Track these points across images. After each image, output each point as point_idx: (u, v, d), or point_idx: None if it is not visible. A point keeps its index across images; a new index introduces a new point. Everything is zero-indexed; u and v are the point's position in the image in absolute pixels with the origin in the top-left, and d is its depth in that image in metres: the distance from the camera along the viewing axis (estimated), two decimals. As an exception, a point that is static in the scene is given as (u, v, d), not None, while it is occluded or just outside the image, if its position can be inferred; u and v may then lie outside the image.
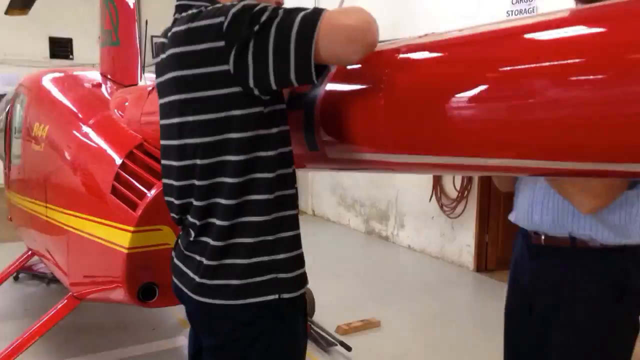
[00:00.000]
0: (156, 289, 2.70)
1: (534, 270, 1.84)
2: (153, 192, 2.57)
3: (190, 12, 1.39)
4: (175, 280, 1.56)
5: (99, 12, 3.90)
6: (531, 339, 1.88)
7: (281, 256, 1.40)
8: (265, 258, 1.38)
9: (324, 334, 3.93)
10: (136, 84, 3.61)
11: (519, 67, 1.01)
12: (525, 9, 4.98)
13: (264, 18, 1.24)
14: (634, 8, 0.86)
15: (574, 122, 0.93)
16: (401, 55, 1.26)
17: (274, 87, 1.29)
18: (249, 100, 1.31)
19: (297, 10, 1.26)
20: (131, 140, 2.84)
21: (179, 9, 1.46)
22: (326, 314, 4.28)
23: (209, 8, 1.34)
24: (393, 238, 6.91)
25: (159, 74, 1.51)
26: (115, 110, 3.18)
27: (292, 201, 1.43)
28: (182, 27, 1.36)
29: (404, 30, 6.35)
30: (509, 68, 1.03)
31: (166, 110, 1.48)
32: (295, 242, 1.45)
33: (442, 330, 4.30)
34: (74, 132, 3.17)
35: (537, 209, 1.79)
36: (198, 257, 1.44)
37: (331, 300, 4.63)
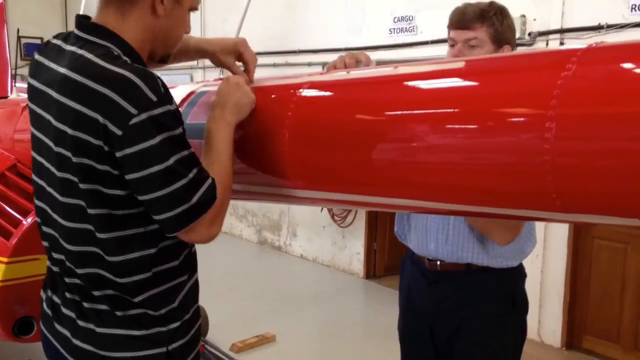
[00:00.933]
0: (34, 322, 2.49)
1: (433, 295, 1.92)
2: (30, 219, 2.35)
3: (91, 53, 1.23)
4: None
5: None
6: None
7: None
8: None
9: (218, 353, 3.84)
10: (7, 97, 3.30)
11: (405, 112, 1.05)
12: (405, 27, 5.23)
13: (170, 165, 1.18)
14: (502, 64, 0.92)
15: (451, 166, 0.99)
16: (304, 92, 1.26)
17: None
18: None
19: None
20: (2, 161, 2.59)
21: (78, 37, 1.29)
22: (220, 332, 4.19)
23: (117, 66, 1.19)
24: (286, 248, 6.93)
25: (39, 78, 1.33)
26: (-18, 126, 2.88)
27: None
28: (82, 78, 1.20)
29: (292, 43, 6.42)
30: (396, 112, 1.07)
31: (43, 125, 1.31)
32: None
33: (336, 340, 4.38)
34: None
35: (431, 237, 1.87)
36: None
37: (225, 317, 4.53)
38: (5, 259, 2.35)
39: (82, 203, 1.25)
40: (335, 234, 6.24)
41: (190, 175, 1.19)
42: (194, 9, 1.37)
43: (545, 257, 4.35)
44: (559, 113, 0.83)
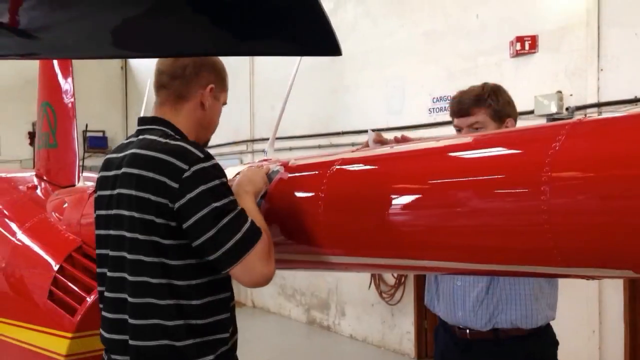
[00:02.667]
0: (94, 397, 2.61)
1: None
2: (93, 296, 2.54)
3: (152, 137, 1.53)
4: None
5: (37, 114, 3.94)
6: None
7: None
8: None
9: None
10: (74, 185, 3.61)
11: (439, 181, 1.17)
12: (444, 107, 5.43)
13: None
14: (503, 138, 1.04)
15: (493, 229, 1.08)
16: (337, 167, 1.42)
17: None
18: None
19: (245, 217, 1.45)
20: (70, 243, 2.83)
21: (142, 130, 1.60)
22: (270, 413, 4.16)
23: (173, 145, 1.48)
24: (335, 327, 6.89)
25: (108, 170, 1.61)
26: (53, 213, 3.17)
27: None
28: (147, 154, 1.49)
29: (338, 123, 6.72)
30: (430, 182, 1.19)
31: (112, 221, 1.57)
32: None
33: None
34: (8, 236, 3.11)
35: (458, 306, 1.94)
36: None
37: (274, 397, 4.52)
38: (69, 335, 2.52)
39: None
40: (384, 312, 6.19)
41: (235, 211, 1.42)
42: (225, 103, 1.73)
43: (602, 333, 4.20)
44: (551, 177, 0.95)
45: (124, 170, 1.51)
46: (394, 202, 1.24)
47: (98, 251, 1.64)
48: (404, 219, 1.22)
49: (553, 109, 4.41)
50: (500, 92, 1.92)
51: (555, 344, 1.97)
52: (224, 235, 1.39)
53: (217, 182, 1.44)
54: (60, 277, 2.68)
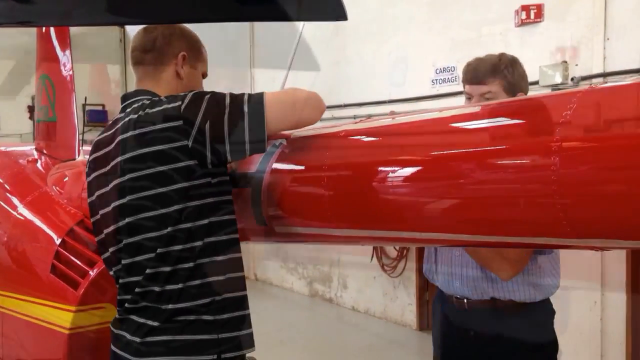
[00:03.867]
0: (99, 369, 2.63)
1: (463, 333, 1.96)
2: (96, 270, 2.54)
3: (139, 103, 1.54)
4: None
5: (35, 87, 3.90)
6: None
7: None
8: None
9: (271, 404, 3.86)
10: (74, 159, 3.59)
11: (444, 152, 1.15)
12: (448, 78, 5.37)
13: (218, 100, 1.44)
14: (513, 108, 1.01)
15: (496, 200, 1.06)
16: (342, 139, 1.39)
17: (229, 159, 1.46)
18: (201, 172, 1.46)
19: (242, 94, 1.47)
20: (71, 217, 2.82)
21: (127, 104, 1.61)
22: (273, 383, 4.22)
23: (161, 98, 1.51)
24: (337, 299, 6.94)
25: (100, 150, 1.61)
26: (54, 187, 3.15)
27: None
28: (140, 113, 1.50)
29: (338, 96, 6.66)
30: (435, 153, 1.17)
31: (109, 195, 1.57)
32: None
33: (389, 391, 4.33)
34: (9, 210, 3.10)
35: (456, 276, 1.94)
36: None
37: (278, 368, 4.58)
38: (73, 308, 2.52)
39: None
40: (386, 284, 6.23)
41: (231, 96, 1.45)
42: (205, 75, 1.74)
43: (603, 304, 4.22)
44: (561, 147, 0.92)
45: (120, 137, 1.51)
46: (397, 174, 1.22)
47: (105, 230, 1.63)
48: (409, 191, 1.20)
49: (558, 79, 4.36)
50: (517, 65, 1.88)
51: (552, 313, 1.98)
52: (234, 115, 1.42)
53: (209, 94, 1.46)
54: (63, 250, 2.67)
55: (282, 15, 0.87)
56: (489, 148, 1.05)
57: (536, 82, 4.43)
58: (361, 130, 1.39)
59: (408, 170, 1.19)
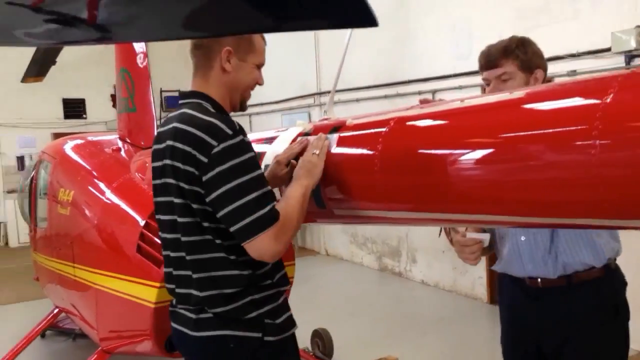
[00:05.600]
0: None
1: (538, 311, 1.98)
2: (176, 249, 2.76)
3: (184, 111, 1.70)
4: None
5: (115, 80, 4.18)
6: None
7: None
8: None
9: (343, 374, 4.03)
10: (153, 146, 3.84)
11: (516, 133, 1.17)
12: (515, 48, 5.22)
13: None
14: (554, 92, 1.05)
15: (565, 182, 1.07)
16: (392, 125, 1.47)
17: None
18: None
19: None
20: (152, 200, 3.05)
21: (181, 104, 1.77)
22: (345, 354, 4.38)
23: (201, 118, 1.64)
24: (406, 274, 7.02)
25: (156, 158, 1.75)
26: (136, 173, 3.41)
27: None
28: (179, 127, 1.65)
29: (401, 73, 6.64)
30: (507, 135, 1.19)
31: (161, 190, 1.75)
32: None
33: (459, 363, 4.38)
34: (98, 195, 3.40)
35: (527, 260, 1.94)
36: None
37: (349, 340, 4.73)
38: (157, 284, 2.76)
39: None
40: (455, 259, 6.17)
41: (259, 191, 1.57)
42: (261, 65, 1.80)
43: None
44: (601, 131, 0.96)
45: (169, 143, 1.66)
46: (444, 158, 1.28)
47: (157, 216, 1.83)
48: (462, 174, 1.26)
49: (632, 44, 4.15)
50: (528, 44, 1.90)
51: (624, 284, 1.98)
52: (243, 211, 1.55)
53: (242, 158, 1.57)
54: (146, 232, 2.92)
55: (307, 26, 0.92)
56: (531, 132, 1.10)
57: (608, 49, 4.26)
58: (411, 116, 1.46)
59: (463, 153, 1.25)
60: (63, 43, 1.61)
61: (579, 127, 1.02)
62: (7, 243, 10.54)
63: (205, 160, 1.57)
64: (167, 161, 1.65)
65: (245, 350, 1.67)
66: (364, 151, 1.53)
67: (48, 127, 10.54)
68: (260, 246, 1.56)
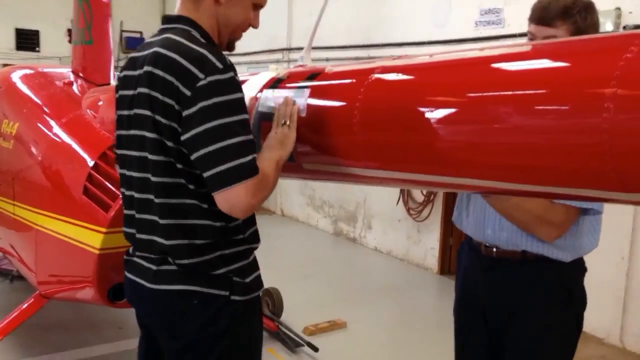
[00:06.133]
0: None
1: (487, 282, 1.94)
2: (126, 193, 2.58)
3: (170, 35, 1.50)
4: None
5: (73, 10, 3.87)
6: (484, 346, 1.99)
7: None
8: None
9: (291, 334, 3.99)
10: (109, 83, 3.60)
11: (487, 93, 1.09)
12: (493, 20, 5.13)
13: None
14: (594, 45, 0.94)
15: (534, 147, 1.01)
16: (376, 75, 1.33)
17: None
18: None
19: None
20: (104, 141, 2.85)
21: (163, 28, 1.58)
22: (294, 315, 4.34)
23: (188, 46, 1.44)
24: (360, 240, 7.01)
25: (131, 68, 1.57)
26: (88, 110, 3.18)
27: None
28: (161, 52, 1.46)
29: (376, 36, 6.47)
30: (477, 94, 1.11)
31: (129, 122, 1.56)
32: None
33: (406, 331, 4.41)
34: (45, 130, 3.15)
35: (488, 223, 1.88)
36: None
37: (299, 301, 4.68)
38: (103, 229, 2.59)
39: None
40: (410, 228, 6.24)
41: (241, 137, 1.39)
42: (259, 6, 1.61)
43: (632, 260, 4.16)
44: (618, 93, 0.86)
45: (147, 69, 1.47)
46: (433, 115, 1.16)
47: (119, 151, 1.63)
48: (444, 133, 1.15)
49: (609, 27, 4.11)
50: (591, 12, 1.70)
51: (583, 269, 1.92)
52: (220, 155, 1.37)
53: (230, 97, 1.39)
54: (95, 173, 2.72)
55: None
56: (535, 91, 0.99)
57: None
58: (397, 66, 1.33)
59: (445, 111, 1.14)
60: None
61: (592, 87, 0.91)
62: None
63: (188, 93, 1.38)
64: (143, 89, 1.47)
65: (209, 308, 1.52)
66: (343, 103, 1.39)
67: (-2, 57, 9.94)
68: (234, 197, 1.38)
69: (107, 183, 2.68)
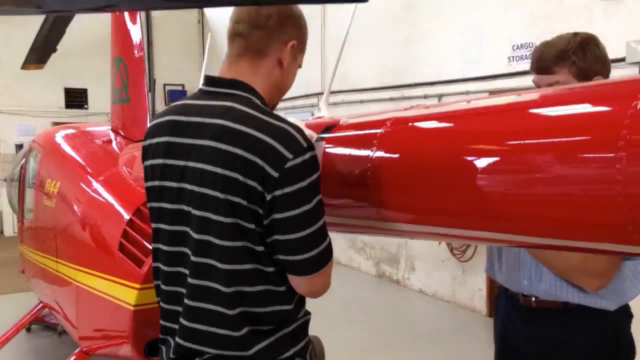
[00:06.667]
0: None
1: (527, 333, 1.84)
2: (159, 249, 2.61)
3: (232, 105, 1.36)
4: None
5: (110, 70, 4.04)
6: None
7: None
8: None
9: (333, 384, 3.88)
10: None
11: (525, 141, 0.98)
12: (525, 55, 5.07)
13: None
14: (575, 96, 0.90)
15: (583, 200, 0.91)
16: (388, 127, 1.31)
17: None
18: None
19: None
20: (138, 196, 2.90)
21: (219, 93, 1.42)
22: (336, 363, 4.23)
23: (262, 119, 1.32)
24: (404, 282, 6.86)
25: (178, 134, 1.40)
26: (124, 167, 3.26)
27: None
28: (230, 126, 1.32)
29: (408, 75, 6.48)
30: (514, 142, 1.01)
31: (179, 173, 1.39)
32: None
33: (454, 378, 4.23)
34: (84, 188, 3.25)
35: (525, 274, 1.79)
36: None
37: (342, 348, 4.58)
38: (138, 285, 2.61)
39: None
40: (454, 269, 6.07)
41: (323, 219, 1.34)
42: (300, 66, 1.53)
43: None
44: (630, 141, 0.81)
45: (208, 143, 1.33)
46: (443, 166, 1.13)
47: (155, 225, 1.51)
48: (458, 188, 1.11)
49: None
50: (589, 46, 1.64)
51: (629, 316, 1.80)
52: (314, 241, 1.32)
53: (314, 177, 1.31)
54: (130, 229, 2.77)
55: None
56: (543, 140, 0.95)
57: (622, 59, 4.10)
58: (411, 117, 1.31)
59: (458, 164, 1.10)
60: (66, 11, 1.38)
61: (602, 137, 0.86)
62: (2, 231, 10.44)
63: (275, 175, 1.26)
64: (207, 167, 1.32)
65: None
66: (357, 154, 1.37)
67: (49, 116, 10.44)
68: (320, 280, 1.35)
69: (141, 239, 2.72)
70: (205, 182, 1.33)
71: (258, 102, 1.39)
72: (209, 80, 1.45)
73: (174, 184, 1.40)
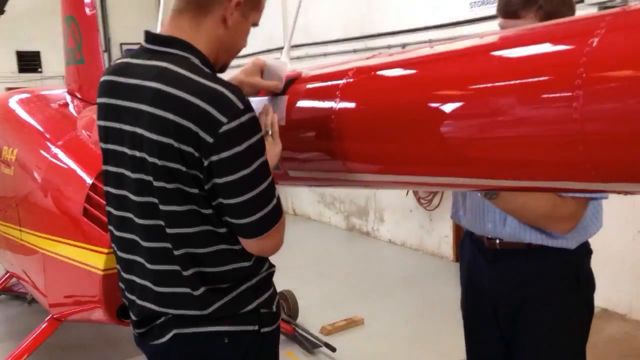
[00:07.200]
0: (136, 306, 2.72)
1: (493, 274, 1.90)
2: (125, 212, 2.57)
3: (167, 66, 1.30)
4: None
5: (62, 30, 3.87)
6: (495, 337, 1.95)
7: None
8: None
9: (308, 336, 3.97)
10: (103, 101, 3.59)
11: (485, 85, 0.99)
12: (487, 0, 5.04)
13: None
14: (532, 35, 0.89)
15: (541, 140, 0.92)
16: (350, 78, 1.30)
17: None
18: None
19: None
20: (99, 160, 2.83)
21: (155, 50, 1.36)
22: (310, 315, 4.32)
23: (195, 79, 1.27)
24: (374, 233, 6.97)
25: (117, 96, 1.36)
26: (83, 131, 3.17)
27: None
28: (163, 89, 1.27)
29: (371, 27, 6.40)
30: (474, 86, 1.01)
31: (122, 137, 1.36)
32: None
33: (425, 322, 4.37)
34: (43, 154, 3.16)
35: (488, 218, 1.84)
36: None
37: (314, 301, 4.67)
38: (105, 250, 2.59)
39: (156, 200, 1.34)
40: (422, 218, 6.19)
41: (270, 178, 1.32)
42: (256, 24, 1.44)
43: (647, 234, 4.08)
44: (585, 80, 0.81)
45: (149, 110, 1.28)
46: (408, 113, 1.13)
47: (104, 188, 1.50)
48: (418, 134, 1.11)
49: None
50: None
51: (589, 252, 1.88)
52: (257, 204, 1.30)
53: (254, 139, 1.26)
54: (93, 194, 2.72)
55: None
56: (502, 83, 0.95)
57: (581, 0, 4.11)
58: (370, 66, 1.29)
59: (421, 111, 1.10)
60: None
61: (560, 76, 0.87)
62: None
63: (210, 140, 1.23)
64: (145, 133, 1.27)
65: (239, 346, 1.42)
66: (320, 106, 1.35)
67: (1, 82, 10.00)
68: (268, 242, 1.35)
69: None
70: (144, 147, 1.30)
71: (197, 61, 1.33)
72: (148, 36, 1.39)
73: (117, 147, 1.38)
